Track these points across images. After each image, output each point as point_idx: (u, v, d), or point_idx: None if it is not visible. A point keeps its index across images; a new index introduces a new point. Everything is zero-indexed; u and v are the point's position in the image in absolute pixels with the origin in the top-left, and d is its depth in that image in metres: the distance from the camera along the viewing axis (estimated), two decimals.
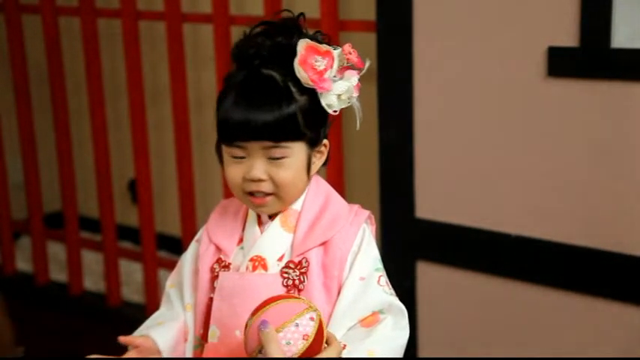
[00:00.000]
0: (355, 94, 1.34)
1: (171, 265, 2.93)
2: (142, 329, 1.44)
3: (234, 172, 1.33)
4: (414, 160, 2.18)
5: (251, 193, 1.33)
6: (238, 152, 1.32)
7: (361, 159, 2.50)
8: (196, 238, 1.48)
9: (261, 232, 1.38)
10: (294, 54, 1.31)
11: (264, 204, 1.35)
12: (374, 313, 1.33)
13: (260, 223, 1.39)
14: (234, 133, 1.31)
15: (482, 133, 2.07)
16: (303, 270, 1.33)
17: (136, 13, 2.74)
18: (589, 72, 1.90)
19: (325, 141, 1.39)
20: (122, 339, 1.37)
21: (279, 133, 1.30)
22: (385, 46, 2.18)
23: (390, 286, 1.36)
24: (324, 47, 1.32)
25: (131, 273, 3.22)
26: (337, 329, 1.31)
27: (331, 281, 1.34)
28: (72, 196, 3.06)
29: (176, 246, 3.11)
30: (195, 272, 1.43)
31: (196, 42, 3.05)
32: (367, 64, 1.35)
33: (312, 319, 1.20)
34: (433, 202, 2.18)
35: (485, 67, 2.04)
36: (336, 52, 1.32)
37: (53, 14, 2.93)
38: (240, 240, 1.40)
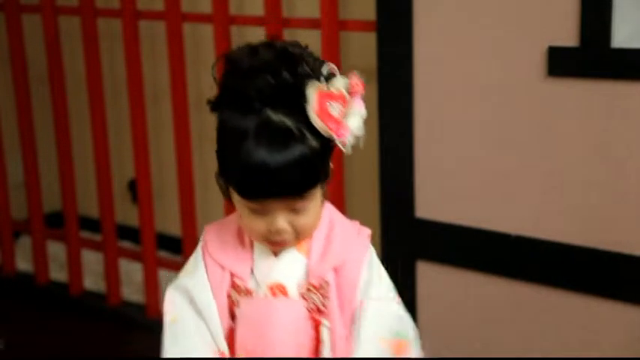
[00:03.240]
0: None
1: (171, 265, 2.95)
2: None
3: (256, 224, 1.28)
4: (413, 160, 2.18)
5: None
6: (257, 207, 1.26)
7: (361, 159, 2.50)
8: (193, 267, 1.37)
9: (276, 256, 1.34)
10: (301, 95, 1.22)
11: (284, 246, 1.31)
12: (399, 341, 1.32)
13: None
14: (256, 193, 1.24)
15: (482, 133, 2.07)
16: (324, 293, 1.32)
17: (136, 13, 2.74)
18: (589, 72, 1.90)
19: (331, 164, 1.33)
20: None
21: (304, 188, 1.25)
22: (385, 46, 2.18)
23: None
24: (336, 90, 1.24)
25: (131, 273, 3.22)
26: (365, 351, 1.30)
27: (344, 303, 1.32)
28: (72, 196, 3.06)
29: (176, 246, 3.11)
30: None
31: (196, 42, 3.05)
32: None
33: None
34: (433, 202, 2.18)
35: (485, 67, 2.04)
36: (345, 91, 1.25)
37: (53, 14, 2.93)
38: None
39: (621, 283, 1.95)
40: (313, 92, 1.22)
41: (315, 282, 1.31)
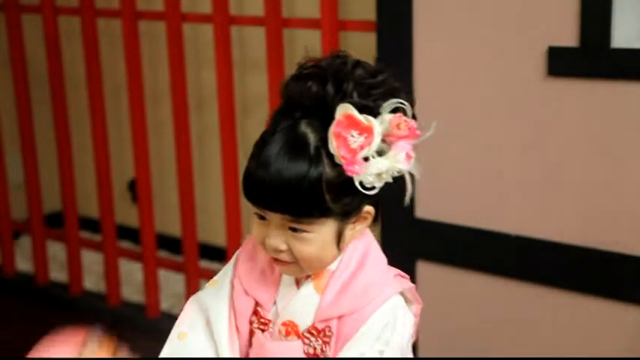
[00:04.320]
0: (405, 166, 1.18)
1: (171, 266, 2.95)
2: None
3: (257, 231, 1.20)
4: None
5: None
6: (260, 212, 1.19)
7: None
8: (221, 281, 1.32)
9: (298, 288, 1.25)
10: (334, 114, 1.13)
11: (285, 268, 1.22)
12: None
13: (297, 279, 1.26)
14: (253, 197, 1.17)
15: (482, 133, 2.07)
16: (326, 340, 1.22)
17: (136, 13, 2.74)
18: (589, 72, 1.90)
19: (368, 208, 1.21)
20: None
21: (299, 210, 1.15)
22: (385, 46, 2.18)
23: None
24: (366, 120, 1.13)
25: (131, 273, 3.22)
26: None
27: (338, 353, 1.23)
28: (72, 196, 3.06)
29: (176, 246, 3.11)
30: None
31: (196, 42, 3.05)
32: (433, 128, 1.20)
33: None
34: (433, 202, 2.18)
35: (485, 67, 2.04)
36: (378, 127, 1.14)
37: (53, 14, 2.93)
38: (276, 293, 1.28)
39: (621, 283, 1.95)
40: (340, 112, 1.13)
41: (319, 326, 1.22)
